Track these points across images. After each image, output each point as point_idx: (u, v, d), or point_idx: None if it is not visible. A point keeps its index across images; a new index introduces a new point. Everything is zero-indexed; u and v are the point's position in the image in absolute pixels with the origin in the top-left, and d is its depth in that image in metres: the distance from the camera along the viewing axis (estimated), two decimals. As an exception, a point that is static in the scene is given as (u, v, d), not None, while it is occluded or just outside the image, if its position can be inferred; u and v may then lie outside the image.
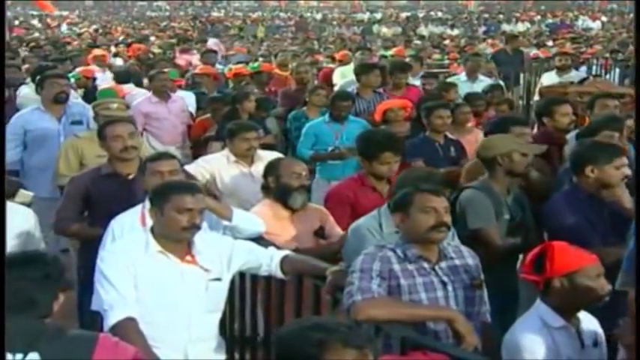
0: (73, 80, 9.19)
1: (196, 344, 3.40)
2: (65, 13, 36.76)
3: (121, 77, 9.22)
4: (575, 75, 9.60)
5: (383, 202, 4.11)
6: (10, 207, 4.26)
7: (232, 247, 3.55)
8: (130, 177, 4.49)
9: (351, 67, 9.68)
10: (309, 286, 3.69)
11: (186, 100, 8.04)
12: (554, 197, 4.32)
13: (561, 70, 9.74)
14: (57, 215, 4.61)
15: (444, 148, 6.01)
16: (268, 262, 3.63)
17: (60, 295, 2.62)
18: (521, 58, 12.23)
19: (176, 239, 3.37)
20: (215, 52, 11.37)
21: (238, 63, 11.12)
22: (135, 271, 3.29)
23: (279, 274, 3.66)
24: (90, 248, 4.06)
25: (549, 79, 9.61)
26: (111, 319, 3.18)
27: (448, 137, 6.12)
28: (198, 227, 3.38)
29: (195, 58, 12.86)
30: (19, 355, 2.44)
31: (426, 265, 3.30)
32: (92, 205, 4.52)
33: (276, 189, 4.48)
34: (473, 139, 6.28)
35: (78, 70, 9.83)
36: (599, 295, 3.01)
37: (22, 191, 4.92)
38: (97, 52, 12.05)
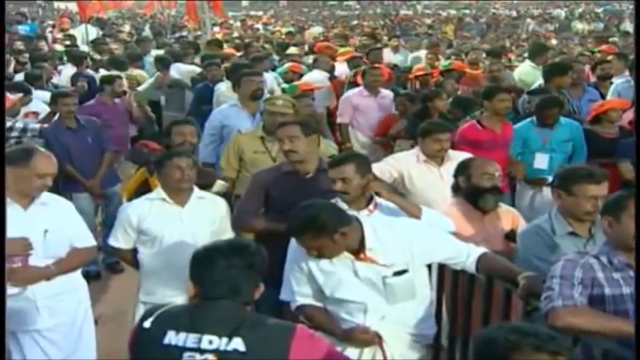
0: (279, 75, 9.53)
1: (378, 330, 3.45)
2: (260, 13, 38.37)
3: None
4: None
5: None
6: (205, 196, 4.50)
7: (414, 234, 3.52)
8: (308, 176, 4.53)
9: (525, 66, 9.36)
10: (499, 290, 3.58)
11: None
12: None
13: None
14: (237, 209, 4.75)
15: None
16: (464, 259, 3.61)
17: (260, 284, 2.72)
18: None
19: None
20: (380, 49, 11.35)
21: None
22: (309, 268, 3.48)
23: (473, 270, 3.62)
24: (265, 243, 4.11)
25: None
26: (294, 303, 3.53)
27: None
28: None
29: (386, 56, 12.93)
30: (225, 339, 2.55)
31: (633, 273, 3.09)
32: (270, 201, 4.61)
33: (467, 189, 4.40)
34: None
35: (287, 65, 10.17)
36: None
37: (218, 182, 5.19)
38: (292, 50, 12.42)
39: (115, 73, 9.25)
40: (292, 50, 12.39)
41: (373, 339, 3.41)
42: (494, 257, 3.65)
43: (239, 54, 11.53)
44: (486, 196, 4.34)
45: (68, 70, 10.51)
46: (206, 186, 5.01)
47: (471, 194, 4.38)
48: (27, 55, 11.66)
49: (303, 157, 4.50)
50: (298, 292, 3.54)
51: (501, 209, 4.48)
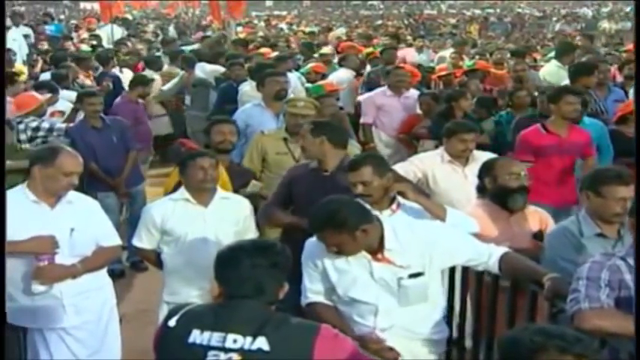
0: (302, 75, 9.55)
1: (388, 333, 3.43)
2: (284, 13, 38.43)
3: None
4: None
5: None
6: (229, 196, 4.52)
7: (436, 236, 3.50)
8: (327, 173, 4.55)
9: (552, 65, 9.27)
10: (524, 291, 3.56)
11: None
12: None
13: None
14: (265, 203, 4.85)
15: None
16: (486, 259, 3.58)
17: (285, 283, 2.72)
18: None
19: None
20: (394, 49, 11.31)
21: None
22: (324, 267, 3.46)
23: (496, 271, 3.60)
24: (290, 242, 4.15)
25: None
26: (305, 300, 3.50)
27: None
28: None
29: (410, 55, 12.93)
30: (249, 339, 2.54)
31: None
32: (294, 197, 4.67)
33: (494, 190, 4.35)
34: None
35: (310, 65, 10.19)
36: None
37: (253, 182, 5.22)
38: (325, 50, 12.45)
39: (149, 73, 9.47)
40: (326, 50, 12.42)
41: (385, 351, 3.37)
42: (517, 257, 3.62)
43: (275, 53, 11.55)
44: (515, 196, 4.29)
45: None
46: (242, 185, 5.05)
47: (499, 195, 4.33)
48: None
49: (314, 156, 4.59)
50: (310, 289, 3.51)
51: (529, 210, 4.43)
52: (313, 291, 3.51)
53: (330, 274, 3.46)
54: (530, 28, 26.40)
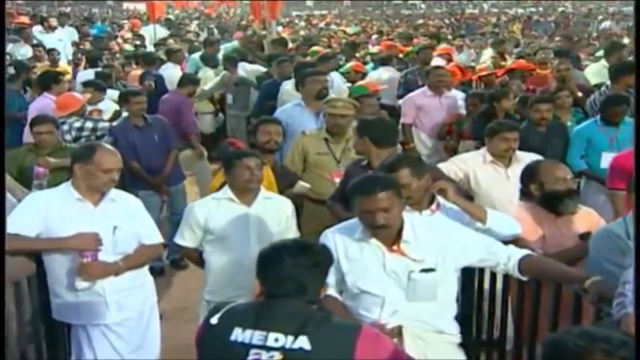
0: (342, 74, 9.57)
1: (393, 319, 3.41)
2: (324, 12, 38.48)
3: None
4: None
5: None
6: (272, 196, 4.53)
7: (448, 237, 3.47)
8: (371, 171, 4.57)
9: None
10: (568, 294, 3.50)
11: None
12: None
13: None
14: (329, 198, 5.04)
15: None
16: (505, 261, 3.54)
17: (326, 283, 2.73)
18: None
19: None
20: (431, 49, 11.21)
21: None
22: (337, 256, 3.42)
23: (517, 274, 3.55)
24: None
25: None
26: None
27: None
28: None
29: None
30: (291, 338, 2.54)
31: None
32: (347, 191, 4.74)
33: (543, 196, 4.23)
34: None
35: (350, 64, 10.19)
36: None
37: (300, 183, 5.24)
38: (373, 49, 12.45)
39: (203, 70, 10.11)
40: (374, 50, 12.37)
41: (390, 334, 3.33)
42: (544, 260, 3.56)
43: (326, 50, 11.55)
44: (566, 201, 4.18)
45: (170, 70, 10.64)
46: (287, 186, 5.07)
47: (548, 200, 4.22)
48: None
49: (361, 154, 4.75)
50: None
51: (580, 211, 4.29)
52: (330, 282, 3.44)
53: (342, 264, 3.44)
54: (575, 27, 26.00)
